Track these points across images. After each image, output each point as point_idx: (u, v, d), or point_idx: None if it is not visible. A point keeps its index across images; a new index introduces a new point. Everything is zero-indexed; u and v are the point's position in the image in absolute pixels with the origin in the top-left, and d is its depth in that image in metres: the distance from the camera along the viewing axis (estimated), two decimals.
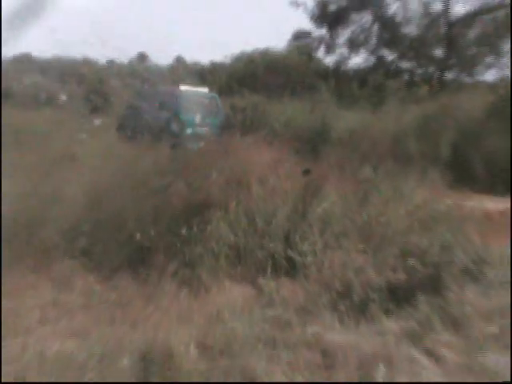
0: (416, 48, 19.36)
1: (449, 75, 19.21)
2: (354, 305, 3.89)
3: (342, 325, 3.62)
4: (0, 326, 3.20)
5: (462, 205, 5.46)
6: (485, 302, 3.91)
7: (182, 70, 22.34)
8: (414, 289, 4.00)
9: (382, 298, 3.91)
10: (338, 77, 18.16)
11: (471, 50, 19.08)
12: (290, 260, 4.71)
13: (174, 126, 11.46)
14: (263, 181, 5.40)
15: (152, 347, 3.12)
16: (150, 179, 5.53)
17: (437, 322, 3.60)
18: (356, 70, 20.30)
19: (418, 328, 3.52)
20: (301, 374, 3.00)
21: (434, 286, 3.99)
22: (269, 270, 4.56)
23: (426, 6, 18.87)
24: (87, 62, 25.13)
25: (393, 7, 19.25)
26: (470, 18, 18.24)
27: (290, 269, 4.65)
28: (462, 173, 9.19)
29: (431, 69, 19.92)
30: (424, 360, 3.19)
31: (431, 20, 19.03)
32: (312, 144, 10.52)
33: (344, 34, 19.79)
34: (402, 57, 20.31)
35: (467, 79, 19.06)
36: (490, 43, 18.53)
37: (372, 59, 20.35)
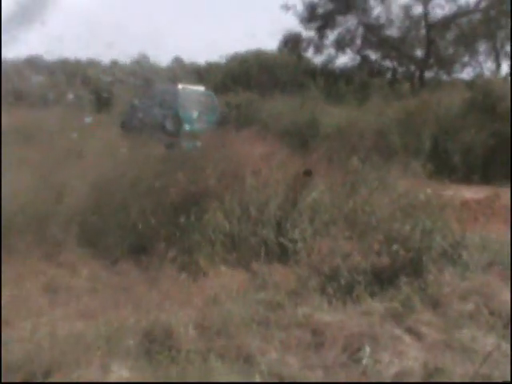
0: (398, 48, 19.45)
1: (428, 73, 19.34)
2: (341, 287, 3.90)
3: (330, 306, 3.64)
4: (0, 322, 3.15)
5: (442, 194, 5.46)
6: (462, 283, 3.95)
7: (180, 70, 22.17)
8: (396, 272, 4.02)
9: (367, 281, 3.93)
10: (325, 75, 18.15)
11: (449, 50, 19.19)
12: (281, 246, 4.70)
13: (173, 123, 11.39)
14: (256, 173, 5.38)
15: (154, 328, 3.12)
16: (150, 173, 5.51)
17: (418, 302, 3.63)
18: (342, 68, 20.38)
19: (401, 308, 3.54)
20: (292, 351, 3.02)
21: (415, 269, 4.01)
22: (262, 255, 4.56)
23: (407, 9, 19.03)
24: (91, 63, 24.95)
25: (376, 11, 19.39)
26: (448, 21, 18.32)
27: (282, 254, 4.65)
28: (442, 164, 9.25)
29: (412, 68, 20.03)
30: (406, 337, 3.22)
31: (412, 23, 19.13)
32: (302, 138, 10.51)
33: (331, 36, 19.89)
34: (385, 56, 20.41)
35: (445, 77, 19.19)
36: (466, 44, 18.63)
37: (357, 59, 20.49)
